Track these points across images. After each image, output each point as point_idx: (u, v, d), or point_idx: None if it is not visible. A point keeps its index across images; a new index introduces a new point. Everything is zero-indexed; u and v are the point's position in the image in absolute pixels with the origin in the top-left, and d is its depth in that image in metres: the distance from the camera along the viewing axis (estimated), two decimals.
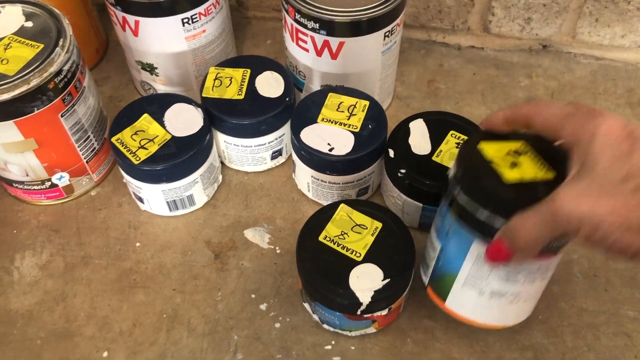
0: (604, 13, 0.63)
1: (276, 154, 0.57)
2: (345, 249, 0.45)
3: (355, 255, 0.44)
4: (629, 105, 0.64)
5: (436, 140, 0.51)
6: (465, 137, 0.51)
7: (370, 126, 0.51)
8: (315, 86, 0.58)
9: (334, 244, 0.45)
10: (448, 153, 0.50)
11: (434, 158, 0.50)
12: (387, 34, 0.53)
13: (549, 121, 0.34)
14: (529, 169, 0.35)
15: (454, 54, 0.69)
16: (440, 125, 0.52)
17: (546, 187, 0.33)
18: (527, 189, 0.34)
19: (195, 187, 0.53)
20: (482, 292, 0.40)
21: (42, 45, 0.48)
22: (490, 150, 0.36)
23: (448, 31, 0.69)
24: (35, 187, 0.54)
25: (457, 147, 0.51)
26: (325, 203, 0.55)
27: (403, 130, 0.52)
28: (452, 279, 0.41)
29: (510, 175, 0.35)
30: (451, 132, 0.52)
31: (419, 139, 0.52)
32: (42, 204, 0.56)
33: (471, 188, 0.36)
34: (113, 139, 0.50)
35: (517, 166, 0.35)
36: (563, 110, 0.34)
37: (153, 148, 0.50)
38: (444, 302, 0.44)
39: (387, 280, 0.43)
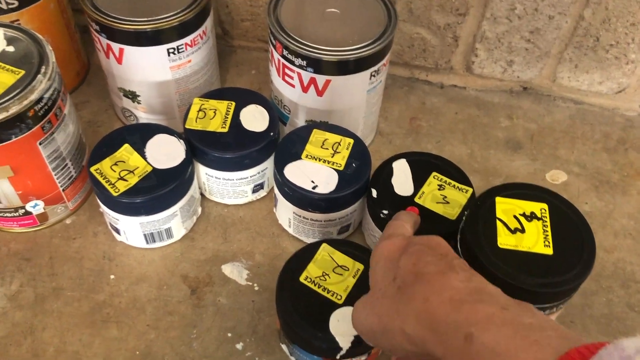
0: (584, 60, 0.65)
1: (258, 188, 0.57)
2: (326, 290, 0.44)
3: (336, 297, 0.44)
4: (605, 151, 0.65)
5: (419, 181, 0.51)
6: (447, 179, 0.51)
7: (354, 165, 0.51)
8: (300, 121, 0.58)
9: (315, 285, 0.45)
10: (430, 195, 0.50)
11: (416, 199, 0.50)
12: (373, 73, 0.53)
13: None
14: (529, 238, 0.32)
15: (437, 93, 0.70)
16: (423, 166, 0.53)
17: (532, 261, 0.31)
18: (515, 258, 0.32)
19: (174, 220, 0.52)
20: None
21: (23, 72, 0.47)
22: (503, 207, 0.34)
23: (431, 70, 0.70)
24: (8, 215, 0.52)
25: (439, 189, 0.51)
26: (306, 239, 0.55)
27: (386, 170, 0.52)
28: None
29: (506, 240, 0.33)
30: (434, 173, 0.52)
31: (402, 180, 0.52)
32: (13, 232, 0.55)
33: (470, 243, 0.34)
34: (92, 169, 0.49)
35: (519, 232, 0.33)
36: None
37: (133, 180, 0.49)
38: None
39: None
